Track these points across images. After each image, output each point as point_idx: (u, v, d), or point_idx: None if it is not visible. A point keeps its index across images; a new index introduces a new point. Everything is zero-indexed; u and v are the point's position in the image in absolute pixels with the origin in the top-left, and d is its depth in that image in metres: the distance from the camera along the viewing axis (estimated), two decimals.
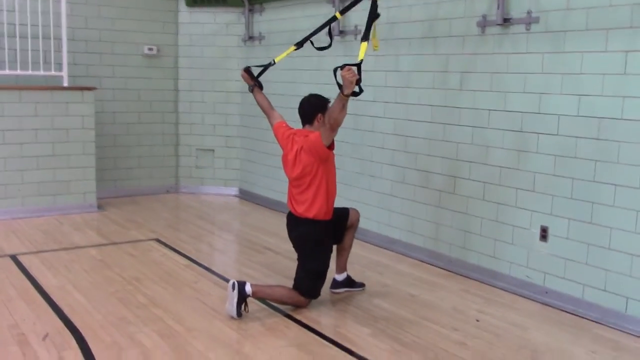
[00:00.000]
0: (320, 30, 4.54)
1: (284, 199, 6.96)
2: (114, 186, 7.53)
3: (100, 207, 6.89)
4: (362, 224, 4.86)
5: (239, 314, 3.89)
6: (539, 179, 4.42)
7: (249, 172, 7.69)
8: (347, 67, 3.64)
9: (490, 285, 4.69)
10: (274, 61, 4.61)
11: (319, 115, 4.13)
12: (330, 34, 4.61)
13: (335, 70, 3.77)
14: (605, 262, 4.06)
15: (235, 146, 7.84)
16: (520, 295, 4.48)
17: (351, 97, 3.69)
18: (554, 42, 4.27)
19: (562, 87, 4.24)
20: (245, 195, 7.72)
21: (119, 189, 7.58)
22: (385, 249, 5.53)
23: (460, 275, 4.91)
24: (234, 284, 3.89)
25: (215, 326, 3.81)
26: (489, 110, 4.74)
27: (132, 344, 3.52)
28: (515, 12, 4.51)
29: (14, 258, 5.04)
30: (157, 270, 4.85)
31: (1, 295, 4.21)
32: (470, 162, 4.89)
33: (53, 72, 6.59)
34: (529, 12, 4.41)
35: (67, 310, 3.97)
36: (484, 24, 4.72)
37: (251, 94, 4.64)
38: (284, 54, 4.58)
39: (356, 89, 3.68)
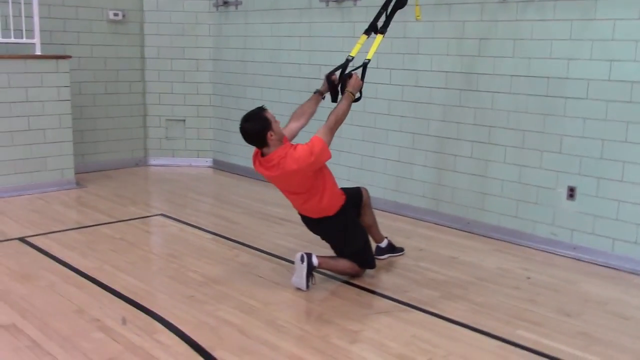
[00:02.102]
0: (384, 12, 4.42)
1: None
2: (82, 161, 7.10)
3: (78, 183, 6.50)
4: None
5: (308, 286, 3.86)
6: (566, 142, 4.65)
7: (224, 142, 7.50)
8: (354, 75, 3.88)
9: (515, 244, 4.90)
10: (350, 56, 4.23)
11: (269, 133, 3.73)
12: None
13: (343, 78, 3.94)
14: (637, 217, 4.36)
15: (207, 115, 7.60)
16: (550, 252, 4.72)
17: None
18: (583, 10, 4.45)
19: (592, 52, 4.45)
20: (221, 166, 7.54)
21: (87, 164, 7.16)
22: (395, 214, 5.61)
23: (481, 235, 5.10)
24: (302, 256, 3.85)
25: (289, 299, 3.77)
26: (511, 75, 4.90)
27: (220, 322, 3.42)
28: None
29: (24, 241, 4.69)
30: (187, 246, 4.69)
31: (42, 281, 3.94)
32: (490, 126, 5.05)
33: (25, 40, 6.09)
34: None
35: (126, 293, 3.77)
36: None
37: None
38: (358, 45, 4.27)
39: (357, 94, 3.84)
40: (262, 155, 3.85)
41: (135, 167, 7.53)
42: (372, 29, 4.39)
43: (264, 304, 3.67)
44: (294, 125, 4.09)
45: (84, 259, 4.34)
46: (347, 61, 4.20)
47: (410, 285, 4.04)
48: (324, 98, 4.21)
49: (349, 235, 4.04)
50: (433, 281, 4.11)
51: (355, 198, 4.14)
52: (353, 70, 4.06)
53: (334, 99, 4.11)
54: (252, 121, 3.77)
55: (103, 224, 5.18)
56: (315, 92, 4.19)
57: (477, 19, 5.05)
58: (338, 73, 4.14)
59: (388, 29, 4.36)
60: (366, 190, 4.30)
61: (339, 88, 4.03)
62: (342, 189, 4.07)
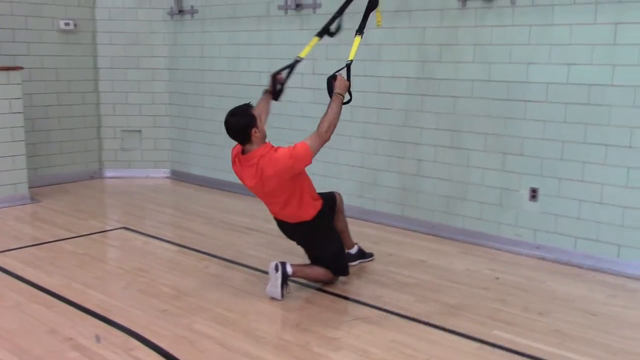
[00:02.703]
0: (339, 16, 4.45)
1: (227, 177, 6.91)
2: (35, 175, 6.87)
3: (32, 198, 6.30)
4: None
5: (283, 295, 3.84)
6: (528, 144, 4.76)
7: (183, 152, 7.40)
8: (339, 76, 3.86)
9: (480, 246, 4.99)
10: (299, 57, 4.33)
11: (254, 130, 3.74)
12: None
13: (328, 80, 3.91)
14: (597, 215, 4.49)
15: (164, 125, 7.48)
16: (515, 253, 4.82)
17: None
18: (541, 15, 4.58)
19: (551, 57, 4.58)
20: (179, 177, 7.44)
21: (41, 177, 6.95)
22: (361, 220, 5.63)
23: (446, 238, 5.17)
24: (276, 265, 3.82)
25: (265, 308, 3.74)
26: (472, 80, 4.99)
27: (197, 335, 3.36)
28: None
29: None
30: (154, 259, 4.60)
31: (6, 301, 3.79)
32: (453, 130, 5.14)
33: None
34: None
35: (97, 309, 3.67)
36: None
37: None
38: (308, 47, 4.39)
39: (347, 96, 3.84)
40: (243, 152, 3.82)
41: (90, 179, 7.35)
42: (325, 31, 4.45)
43: (240, 315, 3.63)
44: None
45: (48, 277, 4.20)
46: (296, 62, 4.29)
47: (384, 290, 4.06)
48: (267, 92, 4.21)
49: (325, 240, 4.04)
50: (405, 285, 4.14)
51: (329, 203, 4.14)
52: (337, 71, 4.02)
53: (276, 98, 4.19)
54: (237, 116, 3.77)
55: (63, 240, 5.03)
56: (264, 93, 4.24)
57: (437, 25, 5.13)
58: (285, 73, 4.23)
59: (364, 30, 4.35)
60: (340, 195, 4.31)
61: (329, 89, 3.96)
62: (317, 193, 4.07)
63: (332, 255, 4.06)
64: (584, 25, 4.40)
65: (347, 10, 4.96)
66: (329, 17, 4.51)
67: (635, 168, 4.30)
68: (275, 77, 4.17)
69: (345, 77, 4.01)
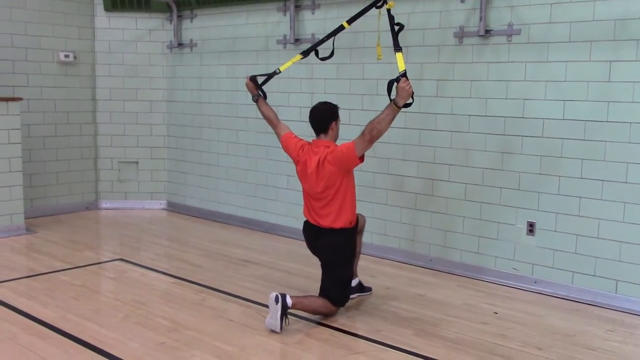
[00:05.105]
0: (327, 40, 4.54)
1: (222, 209, 6.94)
2: (31, 205, 6.86)
3: (28, 229, 6.28)
4: None
5: (282, 327, 3.82)
6: (525, 178, 4.80)
7: (180, 184, 7.41)
8: (404, 79, 3.77)
9: (478, 279, 4.99)
10: (278, 70, 4.51)
11: (333, 123, 4.12)
12: (333, 43, 4.58)
13: (390, 84, 3.84)
14: (595, 250, 4.51)
15: (161, 157, 7.51)
16: (512, 287, 4.82)
17: (402, 109, 3.80)
18: (536, 52, 4.66)
19: (547, 93, 4.65)
20: (175, 208, 7.44)
21: (36, 208, 6.94)
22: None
23: (444, 272, 5.17)
24: (276, 296, 3.81)
25: (264, 342, 3.71)
26: (469, 115, 5.05)
27: None
28: (495, 25, 4.85)
29: None
30: (151, 291, 4.57)
31: (2, 333, 3.75)
32: (450, 165, 5.17)
33: None
34: (509, 25, 4.77)
35: (94, 342, 3.63)
36: (461, 34, 5.02)
37: (254, 104, 4.50)
38: (290, 62, 4.54)
39: (409, 99, 3.79)
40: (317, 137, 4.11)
41: (86, 210, 7.34)
42: (310, 51, 4.57)
43: (239, 349, 3.60)
44: (283, 125, 4.38)
45: (44, 308, 4.17)
46: (275, 73, 4.48)
47: (383, 324, 4.04)
48: (259, 97, 4.42)
49: (346, 260, 4.11)
50: (404, 319, 4.13)
51: (358, 223, 4.25)
52: (394, 80, 3.85)
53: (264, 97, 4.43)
54: (327, 105, 4.16)
55: (59, 271, 5.00)
56: (255, 101, 4.44)
57: (434, 61, 5.20)
58: (260, 79, 4.43)
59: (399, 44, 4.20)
60: (363, 218, 4.43)
61: (391, 94, 3.86)
62: None
63: (343, 279, 4.10)
64: (579, 62, 4.48)
65: (349, 45, 5.02)
66: (328, 51, 4.58)
67: (631, 203, 4.33)
68: (254, 79, 4.40)
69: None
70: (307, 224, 4.23)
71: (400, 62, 3.92)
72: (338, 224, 4.05)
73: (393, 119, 3.80)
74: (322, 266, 4.16)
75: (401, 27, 4.16)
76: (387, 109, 3.80)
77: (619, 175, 4.38)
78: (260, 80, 4.47)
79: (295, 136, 4.29)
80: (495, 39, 4.86)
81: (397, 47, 4.02)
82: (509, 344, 3.76)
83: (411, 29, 5.30)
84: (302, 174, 4.14)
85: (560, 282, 4.67)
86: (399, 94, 3.75)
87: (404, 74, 3.83)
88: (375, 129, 3.81)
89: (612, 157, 4.40)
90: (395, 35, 4.09)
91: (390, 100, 3.81)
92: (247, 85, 4.44)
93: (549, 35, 4.60)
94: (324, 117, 4.13)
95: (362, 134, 3.89)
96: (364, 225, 4.47)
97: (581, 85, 4.49)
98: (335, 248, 4.09)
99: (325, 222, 4.07)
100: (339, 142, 4.12)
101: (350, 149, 3.92)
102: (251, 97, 4.48)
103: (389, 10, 4.21)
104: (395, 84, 3.79)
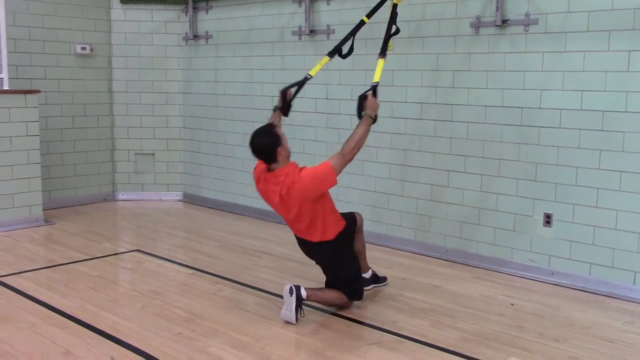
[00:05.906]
0: (351, 37, 4.51)
1: (238, 200, 6.95)
2: (49, 197, 6.93)
3: (46, 220, 6.34)
4: None
5: (297, 319, 3.83)
6: (541, 169, 4.76)
7: (195, 175, 7.44)
8: (370, 97, 3.85)
9: (494, 271, 4.97)
10: (309, 75, 4.39)
11: (278, 148, 3.80)
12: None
13: (359, 100, 3.91)
14: (612, 241, 4.47)
15: (177, 149, 7.55)
16: (529, 278, 4.80)
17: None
18: (554, 42, 4.61)
19: (564, 83, 4.60)
20: (191, 199, 7.48)
21: (54, 200, 7.01)
22: (374, 244, 5.63)
23: (460, 264, 5.15)
24: (291, 288, 3.82)
25: (279, 332, 3.73)
26: (485, 106, 5.01)
27: (212, 358, 3.36)
28: (512, 15, 4.81)
29: None
30: (168, 282, 4.61)
31: (21, 323, 3.80)
32: (466, 156, 5.15)
33: None
34: (527, 14, 4.72)
35: (112, 332, 3.67)
36: (478, 24, 4.98)
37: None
38: (319, 66, 4.45)
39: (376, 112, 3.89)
40: (269, 171, 3.86)
41: (103, 202, 7.40)
42: (336, 51, 4.50)
43: (255, 339, 3.62)
44: None
45: (63, 299, 4.22)
46: (305, 79, 4.36)
47: (398, 315, 4.05)
48: (279, 109, 4.26)
49: (344, 261, 4.05)
50: (420, 310, 4.12)
51: (350, 223, 4.15)
52: (365, 92, 3.98)
53: (285, 113, 4.25)
54: (263, 136, 3.84)
55: (78, 262, 5.06)
56: (274, 109, 4.29)
57: (450, 51, 5.17)
58: (293, 90, 4.30)
59: (387, 53, 4.35)
60: (360, 216, 4.33)
61: (359, 110, 3.95)
62: (340, 214, 4.08)
63: (349, 277, 4.07)
64: (597, 52, 4.43)
65: (365, 36, 5.02)
66: (347, 48, 4.57)
67: None
68: (284, 93, 4.24)
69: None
70: (297, 237, 4.12)
71: (379, 71, 3.93)
72: (329, 236, 3.93)
73: (368, 131, 3.86)
74: (325, 270, 4.15)
75: (397, 30, 4.15)
76: (363, 124, 3.85)
77: (638, 166, 4.33)
78: (292, 90, 4.31)
79: (259, 165, 3.98)
80: (512, 29, 4.82)
81: (383, 53, 4.01)
82: (525, 335, 3.75)
83: (427, 19, 5.29)
84: (270, 204, 3.99)
85: (577, 273, 4.65)
86: (369, 106, 3.84)
87: (375, 87, 3.87)
88: (357, 147, 3.79)
89: (630, 148, 4.35)
90: (387, 37, 4.07)
91: (360, 116, 3.89)
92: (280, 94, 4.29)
93: (567, 24, 4.55)
94: (266, 148, 3.81)
95: (342, 152, 3.79)
96: (361, 224, 4.34)
97: (599, 75, 4.44)
98: (333, 255, 4.03)
99: (315, 238, 3.95)
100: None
101: (327, 172, 3.73)
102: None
103: (395, 6, 4.20)
104: (363, 101, 3.87)
